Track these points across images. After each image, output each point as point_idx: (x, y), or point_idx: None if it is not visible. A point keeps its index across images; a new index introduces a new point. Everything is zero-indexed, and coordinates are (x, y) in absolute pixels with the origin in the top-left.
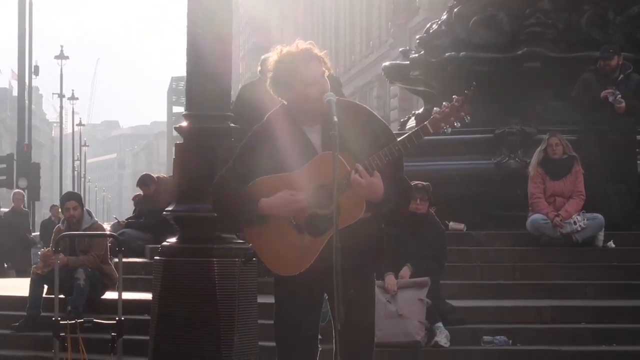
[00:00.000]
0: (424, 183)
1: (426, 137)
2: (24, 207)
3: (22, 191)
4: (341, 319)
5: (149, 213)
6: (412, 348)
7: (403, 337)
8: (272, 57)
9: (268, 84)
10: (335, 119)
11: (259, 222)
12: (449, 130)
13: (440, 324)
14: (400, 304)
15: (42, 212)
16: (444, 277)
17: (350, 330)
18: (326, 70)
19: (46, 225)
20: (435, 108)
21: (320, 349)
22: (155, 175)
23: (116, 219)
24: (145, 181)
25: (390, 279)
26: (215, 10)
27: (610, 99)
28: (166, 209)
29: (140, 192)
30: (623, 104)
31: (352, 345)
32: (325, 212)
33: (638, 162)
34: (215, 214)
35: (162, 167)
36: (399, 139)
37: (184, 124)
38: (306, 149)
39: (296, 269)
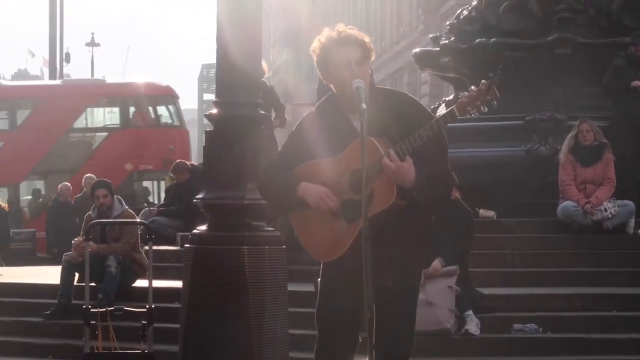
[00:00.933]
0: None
1: (456, 123)
2: None
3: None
4: (370, 306)
5: (180, 200)
6: (442, 336)
7: (434, 325)
8: (315, 42)
9: (316, 67)
10: (364, 105)
11: (297, 207)
12: (476, 114)
13: (470, 312)
14: (430, 292)
15: None
16: (474, 264)
17: (387, 321)
18: (367, 59)
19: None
20: (462, 92)
21: (360, 339)
22: (189, 163)
23: (146, 205)
24: (179, 168)
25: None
26: None
27: None
28: (196, 196)
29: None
30: None
31: (390, 336)
32: (359, 198)
33: None
34: (262, 197)
35: (193, 154)
36: (431, 122)
37: (214, 111)
38: (350, 136)
39: (332, 254)
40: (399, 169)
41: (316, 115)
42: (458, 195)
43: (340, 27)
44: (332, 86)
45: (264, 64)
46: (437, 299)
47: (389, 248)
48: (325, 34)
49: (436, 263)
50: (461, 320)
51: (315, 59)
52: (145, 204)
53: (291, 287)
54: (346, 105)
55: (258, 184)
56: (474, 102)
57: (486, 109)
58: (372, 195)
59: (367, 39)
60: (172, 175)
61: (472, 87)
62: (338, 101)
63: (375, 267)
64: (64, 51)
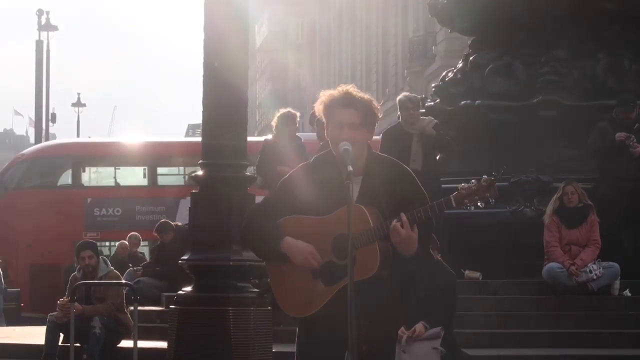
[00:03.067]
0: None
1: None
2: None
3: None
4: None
5: (165, 261)
6: None
7: None
8: (321, 97)
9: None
10: (350, 168)
11: (280, 260)
12: (472, 208)
13: None
14: (415, 355)
15: None
16: (459, 325)
17: None
18: (366, 124)
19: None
20: (462, 184)
21: None
22: (173, 224)
23: (131, 265)
24: (163, 228)
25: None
26: (232, 58)
27: (627, 142)
28: (181, 257)
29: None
30: (639, 149)
31: None
32: (341, 263)
33: None
34: (245, 246)
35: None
36: (426, 206)
37: (200, 172)
38: (340, 195)
39: (302, 312)
40: (407, 237)
41: (310, 169)
42: (439, 258)
43: (351, 87)
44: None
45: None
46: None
47: (365, 314)
48: (334, 91)
49: (420, 327)
50: None
51: (317, 113)
52: (131, 265)
53: (276, 348)
54: (340, 163)
55: (241, 228)
56: (473, 196)
57: (483, 204)
58: (354, 263)
59: (374, 105)
60: (155, 234)
61: (473, 181)
62: (334, 158)
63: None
64: (50, 111)
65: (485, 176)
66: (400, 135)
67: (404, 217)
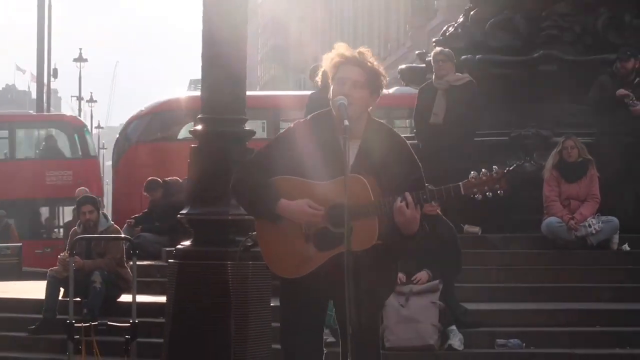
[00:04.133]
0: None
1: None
2: None
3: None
4: (354, 324)
5: (162, 217)
6: (426, 351)
7: (417, 341)
8: (333, 50)
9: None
10: (346, 122)
11: (273, 220)
12: (480, 197)
13: (454, 327)
14: (413, 308)
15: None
16: (459, 280)
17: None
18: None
19: None
20: (472, 172)
21: (325, 351)
22: (161, 180)
23: (129, 221)
24: (150, 186)
25: (400, 275)
26: (232, 12)
27: (626, 100)
28: (180, 212)
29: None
30: (639, 107)
31: (359, 349)
32: (337, 231)
33: None
34: (232, 196)
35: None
36: (434, 189)
37: (199, 127)
38: (336, 160)
39: (292, 273)
40: (412, 217)
41: (309, 127)
42: (439, 212)
43: (363, 48)
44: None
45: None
46: (420, 315)
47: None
48: (343, 49)
49: (423, 274)
50: (444, 335)
51: (323, 66)
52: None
53: (275, 302)
54: (339, 125)
55: (233, 180)
56: (482, 186)
57: (491, 194)
58: (350, 233)
59: (381, 71)
60: (145, 193)
61: (484, 170)
62: (333, 119)
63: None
64: (52, 67)
65: (496, 167)
66: (429, 89)
67: (409, 197)
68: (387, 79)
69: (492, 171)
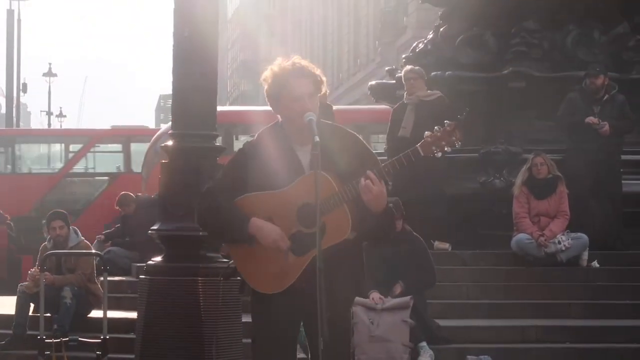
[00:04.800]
0: (392, 199)
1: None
2: None
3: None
4: (325, 338)
5: (133, 232)
6: None
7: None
8: (268, 71)
9: (265, 96)
10: (317, 138)
11: (243, 241)
12: (439, 154)
13: (424, 344)
14: (384, 327)
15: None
16: (429, 296)
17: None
18: (318, 92)
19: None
20: (426, 132)
21: None
22: (134, 195)
23: (99, 237)
24: (124, 201)
25: (375, 295)
26: (202, 28)
27: (594, 127)
28: (151, 227)
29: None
30: (606, 127)
31: None
32: (310, 231)
33: (622, 181)
34: (200, 227)
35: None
36: (393, 159)
37: (170, 142)
38: (294, 168)
39: (278, 287)
40: (379, 193)
41: (259, 143)
42: (407, 227)
43: (296, 58)
44: (279, 116)
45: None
46: (391, 334)
47: (329, 281)
48: (279, 64)
49: (396, 286)
50: (414, 352)
51: (266, 87)
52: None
53: (246, 318)
54: (293, 136)
55: (198, 211)
56: (439, 142)
57: (449, 149)
58: (324, 229)
59: (318, 72)
60: (117, 207)
61: (437, 127)
62: (284, 131)
63: (315, 299)
64: (21, 82)
65: (448, 121)
66: (399, 107)
67: (371, 174)
68: (324, 78)
69: (445, 126)
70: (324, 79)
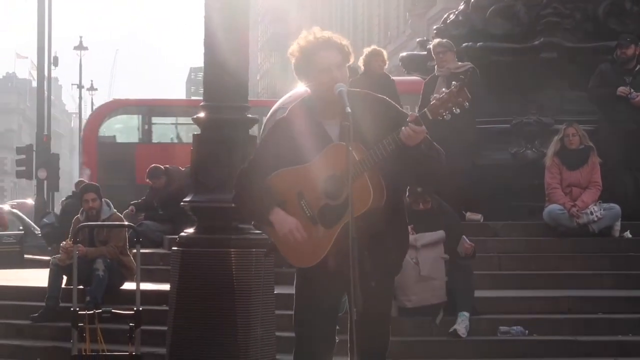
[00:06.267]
0: (418, 189)
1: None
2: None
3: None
4: (359, 308)
5: (165, 204)
6: (439, 308)
7: (434, 299)
8: (294, 45)
9: (293, 70)
10: (348, 109)
11: (267, 225)
12: (449, 116)
13: (466, 314)
14: (427, 266)
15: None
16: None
17: (366, 320)
18: (346, 61)
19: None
20: (434, 95)
21: (337, 340)
22: (163, 167)
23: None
24: (154, 173)
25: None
26: (233, 0)
27: (629, 96)
28: (184, 199)
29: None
30: (639, 98)
31: (368, 335)
32: (337, 203)
33: None
34: (234, 206)
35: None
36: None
37: (201, 114)
38: (323, 142)
39: (311, 260)
40: (421, 131)
41: (290, 120)
42: (443, 203)
43: (317, 30)
44: (308, 89)
45: (384, 54)
46: (433, 272)
47: (369, 250)
48: (305, 38)
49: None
50: (453, 315)
51: (293, 62)
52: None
53: (278, 290)
54: (321, 109)
55: (233, 194)
56: (446, 104)
57: (458, 110)
58: (351, 201)
59: (345, 42)
60: (148, 180)
61: (444, 90)
62: (313, 105)
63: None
64: (52, 55)
65: (454, 82)
66: (431, 79)
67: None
68: (350, 47)
69: (452, 87)
70: (350, 49)
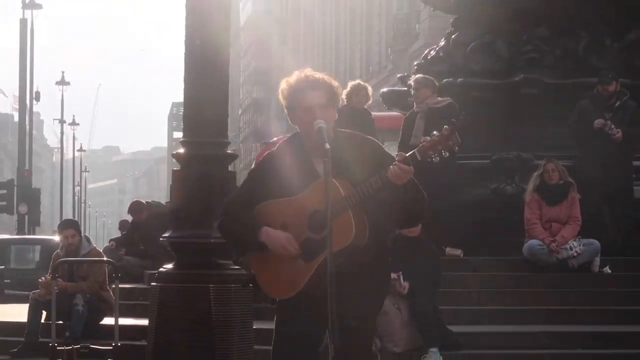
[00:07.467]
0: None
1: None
2: None
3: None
4: (337, 344)
5: (146, 240)
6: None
7: (417, 342)
8: (284, 82)
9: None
10: (327, 145)
11: (258, 249)
12: (437, 159)
13: (435, 349)
14: (406, 311)
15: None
16: (440, 302)
17: (346, 356)
18: (332, 104)
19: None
20: (424, 137)
21: None
22: (145, 202)
23: (109, 244)
24: (136, 208)
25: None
26: (214, 35)
27: (604, 129)
28: (163, 235)
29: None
30: (619, 134)
31: None
32: (319, 237)
33: (635, 187)
34: (223, 239)
35: (162, 192)
36: (390, 165)
37: (181, 150)
38: (310, 177)
39: (288, 292)
40: (410, 172)
41: (278, 155)
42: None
43: (309, 71)
44: (297, 127)
45: (369, 89)
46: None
47: (348, 287)
48: (294, 77)
49: (406, 284)
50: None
51: (282, 101)
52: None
53: (257, 325)
54: (309, 147)
55: (218, 222)
56: (436, 146)
57: (447, 154)
58: (330, 236)
59: (335, 84)
60: (129, 214)
61: (435, 133)
62: (302, 142)
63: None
64: (34, 90)
65: (446, 126)
66: (410, 115)
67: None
68: (340, 89)
69: (442, 130)
70: (339, 90)
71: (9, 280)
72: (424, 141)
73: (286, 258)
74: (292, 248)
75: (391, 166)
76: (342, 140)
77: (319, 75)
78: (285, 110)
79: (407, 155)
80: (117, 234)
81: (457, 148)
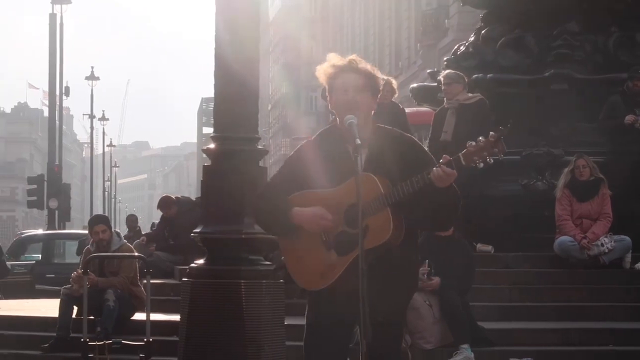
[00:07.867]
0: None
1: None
2: None
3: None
4: (369, 340)
5: (176, 235)
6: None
7: (448, 339)
8: (325, 64)
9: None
10: (358, 141)
11: (290, 231)
12: (481, 165)
13: (466, 346)
14: (437, 307)
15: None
16: (471, 298)
17: (376, 353)
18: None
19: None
20: (469, 142)
21: None
22: (174, 197)
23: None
24: (165, 203)
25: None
26: (244, 32)
27: (636, 125)
28: (194, 230)
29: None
30: None
31: None
32: (353, 232)
33: None
34: (257, 224)
35: (192, 188)
36: (434, 167)
37: (212, 146)
38: (348, 168)
39: (318, 284)
40: (452, 174)
41: (316, 143)
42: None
43: (354, 56)
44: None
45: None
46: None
47: (378, 283)
48: (335, 59)
49: (437, 279)
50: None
51: (324, 83)
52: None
53: (289, 321)
54: (346, 136)
55: (253, 206)
56: (481, 152)
57: (492, 160)
58: (366, 230)
59: (377, 73)
60: (159, 209)
61: (481, 138)
62: (340, 131)
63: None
64: (64, 85)
65: (492, 132)
66: (440, 111)
67: (443, 166)
68: (383, 80)
69: (488, 136)
70: (380, 81)
71: (52, 275)
72: (469, 146)
73: (318, 249)
74: (326, 220)
75: (435, 168)
76: (381, 135)
77: (360, 61)
78: (327, 95)
79: (451, 158)
80: (146, 229)
81: (501, 155)
